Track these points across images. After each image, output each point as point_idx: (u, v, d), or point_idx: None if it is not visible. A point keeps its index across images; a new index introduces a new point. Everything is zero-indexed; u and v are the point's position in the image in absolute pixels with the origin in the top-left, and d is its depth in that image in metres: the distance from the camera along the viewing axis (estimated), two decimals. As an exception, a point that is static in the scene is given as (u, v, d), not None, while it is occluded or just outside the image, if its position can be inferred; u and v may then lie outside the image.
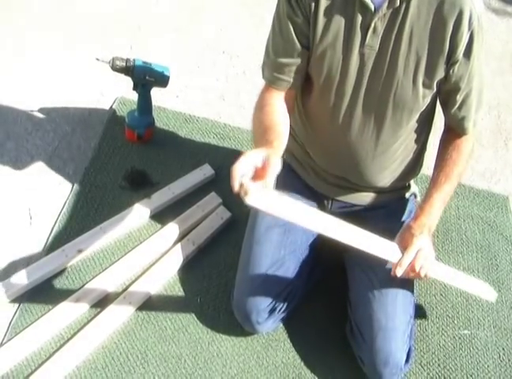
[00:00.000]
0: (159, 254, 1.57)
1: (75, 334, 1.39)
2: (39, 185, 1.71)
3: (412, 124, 1.30)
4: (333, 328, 1.51)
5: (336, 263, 1.52)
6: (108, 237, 1.58)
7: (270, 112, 1.24)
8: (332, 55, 1.20)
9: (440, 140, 1.36)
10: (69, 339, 1.38)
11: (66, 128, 1.88)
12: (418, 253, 1.22)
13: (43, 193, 1.69)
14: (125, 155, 1.80)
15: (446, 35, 1.13)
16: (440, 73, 1.18)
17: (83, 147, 1.83)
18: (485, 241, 1.83)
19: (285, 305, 1.41)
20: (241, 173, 0.99)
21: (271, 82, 1.28)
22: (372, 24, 1.14)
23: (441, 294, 1.65)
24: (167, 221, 1.64)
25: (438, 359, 1.52)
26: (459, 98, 1.24)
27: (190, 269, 1.58)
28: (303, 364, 1.46)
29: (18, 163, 1.75)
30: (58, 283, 1.48)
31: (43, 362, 1.34)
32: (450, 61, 1.16)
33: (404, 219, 1.49)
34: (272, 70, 1.27)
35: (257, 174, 1.01)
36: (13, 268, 1.49)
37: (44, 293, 1.45)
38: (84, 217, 1.62)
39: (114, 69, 1.65)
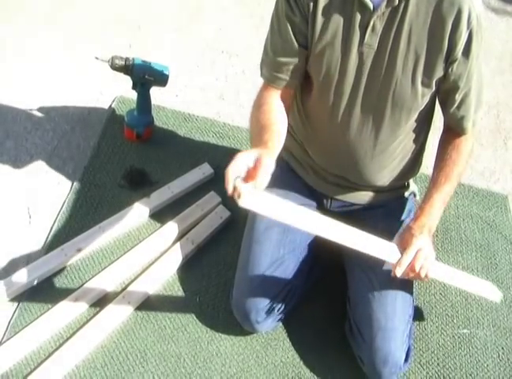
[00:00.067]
0: (158, 253, 1.57)
1: (74, 333, 1.39)
2: (38, 184, 1.71)
3: (411, 123, 1.30)
4: (332, 327, 1.51)
5: (335, 262, 1.52)
6: (107, 236, 1.58)
7: (267, 111, 1.24)
8: (330, 54, 1.20)
9: (439, 140, 1.36)
10: (68, 338, 1.38)
11: (66, 127, 1.88)
12: (418, 253, 1.21)
13: (43, 192, 1.69)
14: (124, 154, 1.80)
15: (444, 34, 1.13)
16: (439, 72, 1.18)
17: (82, 146, 1.83)
18: (484, 240, 1.83)
19: (284, 304, 1.41)
20: (234, 175, 1.01)
21: (269, 81, 1.28)
22: (371, 23, 1.14)
23: (440, 294, 1.65)
24: (167, 220, 1.64)
25: (438, 358, 1.52)
26: (458, 97, 1.24)
27: (189, 268, 1.58)
28: (302, 363, 1.46)
29: (17, 162, 1.75)
30: (58, 282, 1.48)
31: (42, 361, 1.34)
32: (449, 60, 1.16)
33: (403, 218, 1.48)
34: (270, 69, 1.27)
35: (249, 175, 1.02)
36: (13, 266, 1.49)
37: (43, 292, 1.45)
38: (83, 216, 1.62)
39: (114, 68, 1.65)
